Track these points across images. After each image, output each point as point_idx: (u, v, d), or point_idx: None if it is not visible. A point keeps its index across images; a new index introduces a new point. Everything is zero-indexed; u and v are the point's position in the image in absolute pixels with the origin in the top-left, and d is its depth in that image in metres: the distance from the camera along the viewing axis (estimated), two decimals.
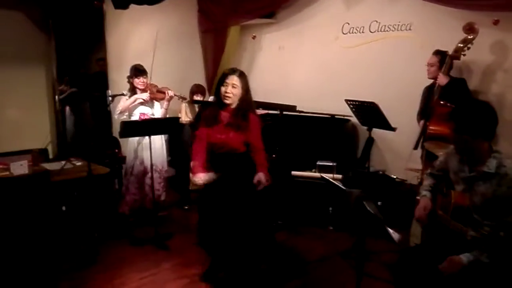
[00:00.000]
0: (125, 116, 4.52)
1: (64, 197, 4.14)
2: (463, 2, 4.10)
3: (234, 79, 2.96)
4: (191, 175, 3.18)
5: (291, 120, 5.16)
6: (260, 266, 3.50)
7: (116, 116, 4.52)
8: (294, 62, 5.95)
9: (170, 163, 4.97)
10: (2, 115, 5.01)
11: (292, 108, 5.02)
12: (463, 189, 2.43)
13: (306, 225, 4.61)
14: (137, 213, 4.72)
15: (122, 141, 4.97)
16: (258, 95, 5.28)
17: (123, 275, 3.61)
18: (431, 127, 3.88)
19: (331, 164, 4.71)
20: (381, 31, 5.03)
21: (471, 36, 3.83)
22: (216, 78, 5.76)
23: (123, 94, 4.53)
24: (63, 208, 4.18)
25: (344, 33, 5.37)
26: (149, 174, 4.40)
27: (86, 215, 4.16)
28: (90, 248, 3.90)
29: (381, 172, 4.72)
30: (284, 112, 4.91)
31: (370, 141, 4.44)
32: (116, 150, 5.22)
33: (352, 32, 5.29)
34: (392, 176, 4.73)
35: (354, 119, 4.64)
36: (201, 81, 6.09)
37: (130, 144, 4.65)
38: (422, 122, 4.15)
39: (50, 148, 5.28)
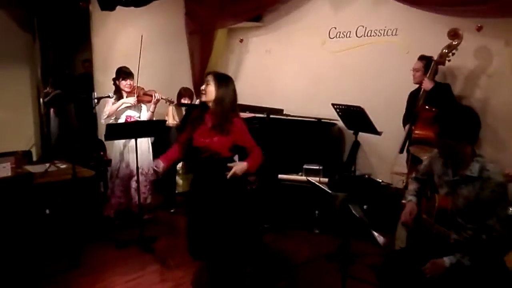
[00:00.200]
0: (112, 120, 4.48)
1: (48, 200, 4.08)
2: (447, 8, 4.16)
3: (208, 77, 3.02)
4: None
5: (278, 124, 5.17)
6: (246, 268, 3.49)
7: (103, 121, 4.47)
8: (281, 66, 5.96)
9: None
10: None
11: (279, 111, 5.03)
12: (447, 192, 2.46)
13: (292, 228, 4.61)
14: (122, 216, 4.68)
15: (107, 143, 4.93)
16: (245, 98, 5.30)
17: (107, 278, 3.57)
18: (416, 132, 3.92)
19: (317, 167, 4.73)
20: (367, 36, 5.07)
21: (456, 42, 3.89)
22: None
23: (109, 97, 4.49)
24: (47, 211, 4.13)
25: (331, 38, 5.40)
26: (135, 177, 4.36)
27: (70, 218, 4.10)
28: (74, 251, 3.84)
29: (367, 176, 4.75)
30: (271, 116, 4.92)
31: (356, 145, 4.47)
32: (102, 153, 5.17)
33: (339, 37, 5.33)
34: (378, 179, 4.76)
35: (340, 123, 4.67)
36: (188, 83, 6.08)
37: (116, 146, 4.61)
38: (407, 126, 4.19)
39: (34, 150, 5.22)
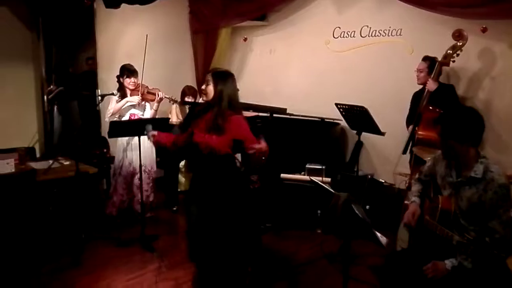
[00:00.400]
0: (116, 118, 4.49)
1: (51, 197, 4.09)
2: (452, 9, 4.14)
3: (207, 77, 3.03)
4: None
5: (281, 123, 5.16)
6: (247, 268, 3.49)
7: (107, 119, 4.46)
8: (285, 65, 5.96)
9: (158, 164, 4.94)
10: None
11: (282, 111, 5.03)
12: (450, 193, 2.45)
13: (294, 227, 4.61)
14: (124, 214, 4.69)
15: (111, 141, 4.94)
16: (248, 97, 5.32)
17: (109, 277, 3.57)
18: (419, 132, 3.91)
19: (320, 167, 4.72)
20: (372, 36, 5.06)
21: (460, 43, 3.87)
22: None
23: (113, 94, 4.49)
24: (50, 208, 4.14)
25: (335, 37, 5.39)
26: (138, 175, 4.37)
27: (72, 215, 4.11)
28: (75, 248, 3.85)
29: (369, 176, 4.74)
30: (274, 115, 4.92)
31: (359, 145, 4.46)
32: (105, 150, 5.18)
33: (343, 37, 5.32)
34: (380, 180, 4.76)
35: (343, 123, 4.66)
36: (192, 82, 6.08)
37: (119, 144, 4.62)
38: (410, 127, 4.19)
39: (37, 147, 5.23)
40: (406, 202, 2.76)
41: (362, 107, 4.01)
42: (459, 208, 2.38)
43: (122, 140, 4.58)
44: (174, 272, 3.62)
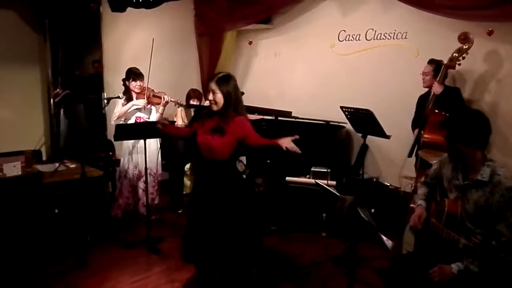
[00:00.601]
0: (121, 121, 4.51)
1: (57, 199, 4.11)
2: (458, 12, 4.13)
3: (212, 86, 2.93)
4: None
5: (286, 126, 5.16)
6: (251, 270, 3.49)
7: (113, 122, 4.48)
8: (290, 68, 5.96)
9: (163, 167, 4.96)
10: None
11: (287, 114, 5.03)
12: (456, 196, 2.44)
13: (299, 230, 4.60)
14: (129, 217, 4.70)
15: (116, 144, 4.96)
16: (253, 100, 5.34)
17: (114, 279, 3.58)
18: (425, 135, 3.90)
19: (325, 170, 4.71)
20: (377, 39, 5.06)
21: (466, 46, 3.86)
22: None
23: (118, 97, 4.51)
24: (56, 210, 4.16)
25: (340, 41, 5.39)
26: (143, 178, 4.38)
27: (78, 217, 4.13)
28: (81, 250, 3.86)
29: (375, 179, 4.73)
30: (279, 118, 4.92)
31: (365, 148, 4.46)
32: (110, 153, 5.20)
33: (348, 40, 5.32)
34: (386, 183, 4.75)
35: (348, 126, 4.66)
36: (197, 85, 6.10)
37: (125, 147, 4.64)
38: (416, 130, 4.17)
39: (43, 150, 5.26)
40: (412, 205, 2.76)
41: (368, 110, 4.00)
42: (466, 211, 2.37)
43: (128, 143, 4.60)
44: (179, 274, 3.62)
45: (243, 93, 5.06)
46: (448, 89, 3.98)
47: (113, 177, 5.01)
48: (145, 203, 4.29)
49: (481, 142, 2.33)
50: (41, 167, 4.20)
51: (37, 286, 3.43)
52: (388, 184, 4.73)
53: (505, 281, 2.28)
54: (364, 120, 4.11)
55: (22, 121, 5.18)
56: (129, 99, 4.54)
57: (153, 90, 4.61)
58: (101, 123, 5.50)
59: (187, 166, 5.41)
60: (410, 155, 4.26)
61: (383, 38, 5.01)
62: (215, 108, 2.95)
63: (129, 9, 5.02)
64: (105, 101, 4.33)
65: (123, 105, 4.50)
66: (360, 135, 4.23)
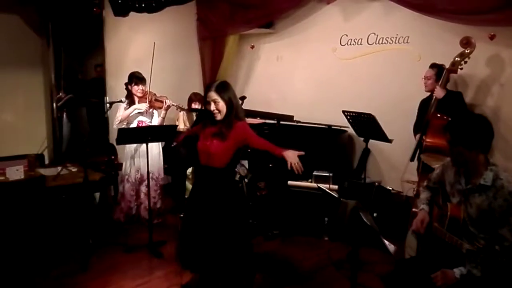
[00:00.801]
0: (124, 125, 4.52)
1: (60, 203, 4.11)
2: (459, 17, 4.14)
3: (213, 95, 2.89)
4: None
5: (288, 130, 5.16)
6: (254, 275, 3.49)
7: (115, 126, 4.50)
8: (292, 73, 5.97)
9: (166, 170, 4.97)
10: None
11: (290, 118, 5.03)
12: (459, 201, 2.44)
13: (301, 234, 4.59)
14: (132, 220, 4.70)
15: (119, 148, 4.96)
16: (255, 105, 5.35)
17: (116, 282, 3.58)
18: (427, 140, 3.90)
19: (327, 174, 4.71)
20: (379, 43, 5.06)
21: (468, 50, 3.87)
22: None
23: (121, 101, 4.53)
24: (59, 213, 4.17)
25: (342, 45, 5.40)
26: (146, 182, 4.39)
27: (80, 221, 4.13)
28: (83, 254, 3.87)
29: (377, 183, 4.72)
30: (281, 122, 4.93)
31: (367, 152, 4.45)
32: (113, 157, 5.20)
33: (350, 44, 5.33)
34: (388, 187, 4.74)
35: (350, 130, 4.65)
36: (199, 89, 6.11)
37: (127, 151, 4.65)
38: (418, 135, 4.17)
39: (46, 154, 5.27)
40: (414, 209, 2.76)
41: (370, 115, 4.01)
42: (469, 216, 2.37)
43: (130, 147, 4.62)
44: (181, 278, 3.61)
45: (245, 97, 5.12)
46: (450, 93, 3.98)
47: (115, 181, 5.01)
48: (147, 207, 4.30)
49: (484, 146, 2.33)
50: (43, 171, 4.21)
51: None
52: (390, 188, 4.72)
53: (508, 286, 2.27)
54: (366, 124, 4.11)
55: (25, 124, 5.19)
56: (131, 103, 4.56)
57: (155, 94, 4.63)
58: (104, 127, 5.51)
59: (189, 170, 5.41)
60: (412, 159, 4.26)
61: (385, 43, 5.01)
62: (219, 117, 2.91)
63: (131, 13, 5.04)
64: (108, 105, 4.35)
65: (125, 109, 4.52)
66: (362, 139, 4.22)
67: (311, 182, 4.75)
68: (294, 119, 5.11)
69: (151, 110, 4.61)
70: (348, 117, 4.22)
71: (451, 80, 4.15)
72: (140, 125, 4.55)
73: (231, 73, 6.43)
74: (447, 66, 3.98)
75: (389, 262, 3.39)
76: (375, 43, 5.09)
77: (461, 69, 3.93)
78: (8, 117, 5.08)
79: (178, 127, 5.05)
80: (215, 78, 6.23)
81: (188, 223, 3.12)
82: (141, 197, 4.64)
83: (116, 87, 5.41)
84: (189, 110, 5.10)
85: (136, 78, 4.52)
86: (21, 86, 5.16)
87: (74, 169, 4.32)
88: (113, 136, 4.82)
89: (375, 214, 4.39)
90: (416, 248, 2.75)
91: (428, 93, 4.18)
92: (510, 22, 3.86)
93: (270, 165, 4.62)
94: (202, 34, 6.31)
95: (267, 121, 5.15)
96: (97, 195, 4.80)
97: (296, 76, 5.93)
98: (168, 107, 4.58)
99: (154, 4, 5.00)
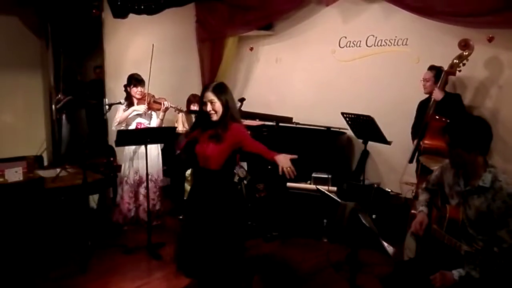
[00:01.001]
0: (122, 127, 4.52)
1: (58, 204, 4.11)
2: (458, 19, 4.15)
3: (210, 96, 2.90)
4: None
5: (287, 132, 5.17)
6: (253, 277, 3.49)
7: (114, 128, 4.50)
8: (291, 74, 5.98)
9: (165, 172, 4.97)
10: None
11: (288, 119, 5.04)
12: (458, 203, 2.44)
13: (300, 236, 4.59)
14: (130, 222, 4.70)
15: (118, 149, 4.97)
16: (254, 106, 5.36)
17: (115, 284, 3.58)
18: (426, 141, 3.91)
19: (326, 176, 4.72)
20: (378, 45, 5.08)
21: (467, 52, 3.88)
22: None
23: (120, 103, 4.53)
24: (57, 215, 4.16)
25: (341, 47, 5.41)
26: (145, 184, 4.39)
27: (79, 222, 4.13)
28: (82, 255, 3.86)
29: (375, 185, 4.73)
30: (280, 124, 4.93)
31: (365, 154, 4.46)
32: (112, 159, 5.20)
33: (349, 46, 5.34)
34: (387, 189, 4.75)
35: (349, 132, 4.66)
36: (198, 91, 6.10)
37: (126, 153, 4.65)
38: (415, 141, 4.18)
39: (45, 155, 5.26)
40: (413, 211, 2.76)
41: (369, 116, 4.01)
42: (467, 217, 2.37)
43: (129, 149, 4.61)
44: (180, 280, 3.61)
45: (244, 99, 5.12)
46: (448, 95, 3.99)
47: (114, 182, 5.01)
48: (146, 209, 4.30)
49: (483, 148, 2.34)
50: (42, 173, 4.21)
51: None
52: (389, 190, 4.73)
53: (506, 287, 2.28)
54: (365, 126, 4.12)
55: (24, 126, 5.19)
56: (130, 105, 4.56)
57: (153, 96, 4.63)
58: (103, 129, 5.50)
59: (188, 172, 5.41)
60: (411, 161, 4.27)
61: (383, 45, 5.03)
62: (215, 117, 2.92)
63: (130, 15, 5.04)
64: (107, 106, 4.35)
65: (124, 110, 4.52)
66: (361, 141, 4.23)
67: (310, 184, 4.75)
68: (293, 121, 5.12)
69: (149, 112, 4.61)
70: (347, 119, 4.23)
71: (449, 82, 4.16)
72: (139, 126, 4.55)
73: (230, 75, 6.44)
74: (445, 68, 3.99)
75: (388, 264, 3.38)
76: (374, 45, 5.11)
77: (460, 71, 3.95)
78: (7, 119, 5.08)
79: (177, 129, 5.06)
80: (214, 80, 6.23)
81: (186, 226, 3.12)
82: (140, 199, 4.63)
83: (115, 89, 5.41)
84: (188, 112, 5.10)
85: (135, 80, 4.52)
86: (20, 88, 5.15)
87: (73, 171, 4.31)
88: (112, 138, 4.82)
89: (374, 216, 4.40)
90: (415, 250, 2.76)
91: (427, 95, 4.19)
92: (508, 24, 3.87)
93: (269, 167, 4.62)
94: (201, 36, 6.32)
95: (266, 123, 5.16)
96: (92, 198, 4.78)
97: (295, 78, 5.94)
98: (166, 109, 4.58)
99: (153, 6, 5.01)
